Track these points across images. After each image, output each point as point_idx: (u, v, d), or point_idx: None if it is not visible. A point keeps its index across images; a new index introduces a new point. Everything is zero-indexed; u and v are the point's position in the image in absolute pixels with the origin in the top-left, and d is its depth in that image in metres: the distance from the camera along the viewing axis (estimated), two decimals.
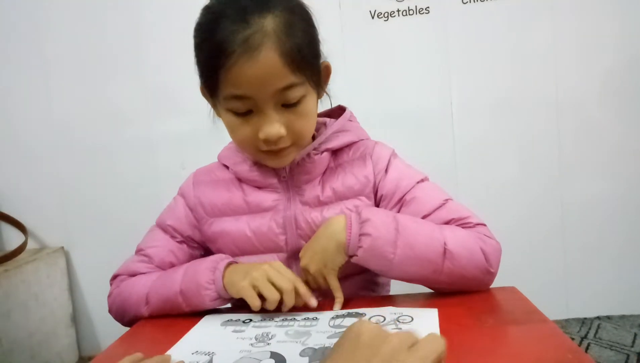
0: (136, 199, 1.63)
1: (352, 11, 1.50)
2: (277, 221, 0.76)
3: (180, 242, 0.82)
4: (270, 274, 0.66)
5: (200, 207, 0.81)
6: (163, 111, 1.59)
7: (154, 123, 1.59)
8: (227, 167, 0.82)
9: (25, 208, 1.65)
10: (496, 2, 1.45)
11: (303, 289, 0.67)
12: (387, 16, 1.47)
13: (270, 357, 0.55)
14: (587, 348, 1.34)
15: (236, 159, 0.80)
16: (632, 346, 1.35)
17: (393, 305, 0.67)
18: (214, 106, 0.75)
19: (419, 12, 1.47)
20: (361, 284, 0.81)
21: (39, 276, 1.53)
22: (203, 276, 0.70)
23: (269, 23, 0.64)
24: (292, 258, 0.77)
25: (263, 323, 0.65)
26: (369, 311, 0.66)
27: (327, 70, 0.76)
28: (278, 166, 0.75)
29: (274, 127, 0.67)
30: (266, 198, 0.77)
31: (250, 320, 0.67)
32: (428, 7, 1.47)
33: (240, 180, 0.80)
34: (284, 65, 0.64)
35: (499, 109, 1.49)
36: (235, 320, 0.67)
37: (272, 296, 0.65)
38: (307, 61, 0.67)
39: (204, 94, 0.75)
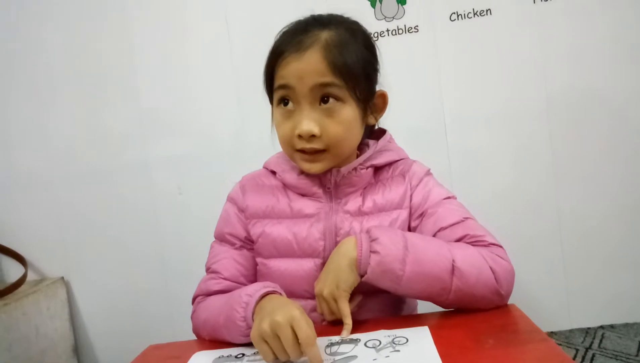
0: (135, 226, 1.63)
1: None
2: (317, 228, 0.79)
3: (239, 248, 0.84)
4: (282, 333, 0.58)
5: (247, 209, 0.84)
6: (158, 136, 1.60)
7: (149, 148, 1.60)
8: (273, 174, 0.86)
9: (23, 238, 1.65)
10: (482, 18, 1.47)
11: (313, 353, 0.58)
12: (377, 36, 1.49)
13: None
14: (592, 359, 1.34)
15: (285, 167, 0.85)
16: (637, 355, 1.34)
17: (384, 328, 0.67)
18: (272, 112, 0.81)
19: (408, 30, 1.49)
20: (389, 301, 0.81)
21: (39, 308, 1.52)
22: (237, 313, 0.68)
23: (324, 34, 0.73)
24: None
25: (257, 357, 0.64)
26: (363, 336, 0.65)
27: (383, 99, 0.83)
28: (310, 170, 0.78)
29: (308, 124, 0.73)
30: (309, 205, 0.80)
31: (243, 354, 0.66)
32: (417, 26, 1.49)
33: (285, 187, 0.83)
34: (326, 65, 0.71)
35: (491, 120, 1.50)
36: (227, 356, 0.66)
37: (277, 352, 0.59)
38: (351, 71, 0.73)
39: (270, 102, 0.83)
